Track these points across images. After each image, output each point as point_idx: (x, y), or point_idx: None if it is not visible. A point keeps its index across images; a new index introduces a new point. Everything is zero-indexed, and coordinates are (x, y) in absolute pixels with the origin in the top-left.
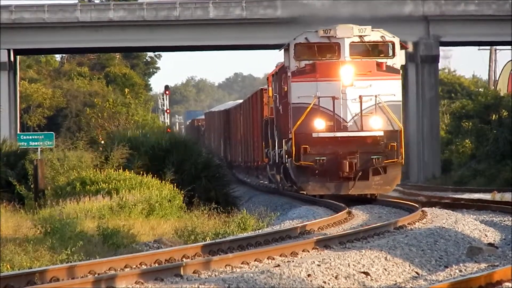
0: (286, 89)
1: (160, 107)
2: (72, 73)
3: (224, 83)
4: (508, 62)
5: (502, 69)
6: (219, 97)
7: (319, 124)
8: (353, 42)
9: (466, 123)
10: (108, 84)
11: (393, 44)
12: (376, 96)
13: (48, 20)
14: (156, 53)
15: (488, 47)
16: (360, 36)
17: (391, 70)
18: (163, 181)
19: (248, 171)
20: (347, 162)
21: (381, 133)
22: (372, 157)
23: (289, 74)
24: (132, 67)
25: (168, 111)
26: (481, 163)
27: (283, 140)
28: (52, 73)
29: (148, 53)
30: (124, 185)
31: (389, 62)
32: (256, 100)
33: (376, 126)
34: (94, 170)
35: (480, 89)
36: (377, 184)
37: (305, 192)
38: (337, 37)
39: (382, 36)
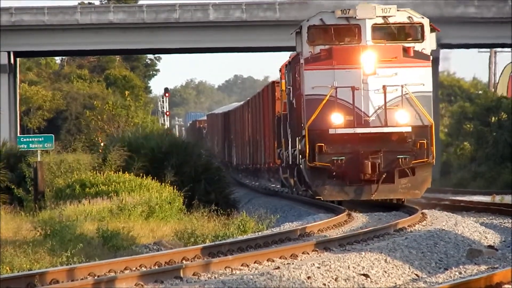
0: (299, 80)
1: (160, 109)
2: (72, 76)
3: (224, 85)
4: (508, 64)
5: (502, 72)
6: (219, 99)
7: (337, 119)
8: (375, 24)
9: (468, 125)
10: (108, 87)
11: (422, 26)
12: (402, 86)
13: (48, 22)
14: (156, 55)
15: (488, 50)
16: (384, 17)
17: (419, 56)
18: (163, 183)
19: (257, 174)
20: (369, 163)
21: (409, 129)
22: (398, 156)
23: (301, 61)
24: (132, 70)
25: (168, 113)
26: (480, 166)
27: (297, 138)
28: (52, 75)
29: (148, 55)
30: (124, 188)
31: (418, 46)
32: (267, 95)
33: (402, 120)
34: (93, 172)
35: (479, 92)
36: (404, 188)
37: (321, 198)
38: (357, 18)
39: (409, 16)
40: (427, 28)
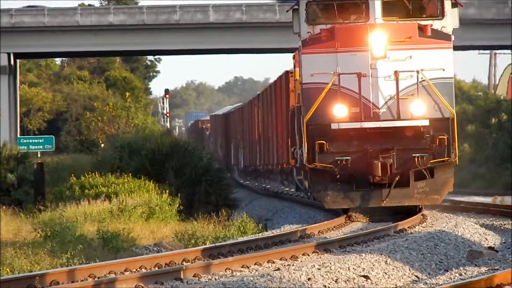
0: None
1: (160, 110)
2: (72, 77)
3: (224, 86)
4: (508, 66)
5: (502, 73)
6: (219, 100)
7: (340, 111)
8: None
9: (470, 127)
10: (108, 88)
11: (442, 0)
12: (418, 72)
13: (49, 24)
14: (156, 56)
15: (488, 51)
16: None
17: (439, 35)
18: (163, 185)
19: (269, 177)
20: (379, 163)
21: (426, 123)
22: (413, 155)
23: (299, 43)
24: (132, 71)
25: (168, 114)
26: (480, 167)
27: (297, 136)
28: (52, 77)
29: (148, 56)
30: (124, 189)
31: (436, 24)
32: (280, 87)
33: (418, 112)
34: (93, 173)
35: (479, 93)
36: (421, 193)
37: (324, 205)
38: None
39: None
40: (447, 3)
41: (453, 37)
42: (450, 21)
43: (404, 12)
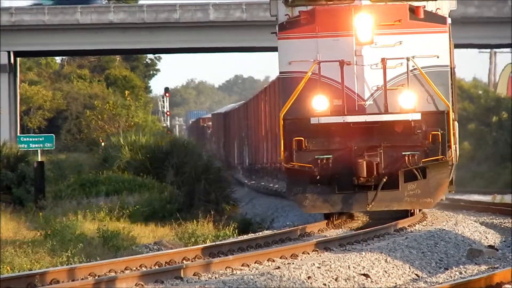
0: None
1: (160, 109)
2: (72, 76)
3: (224, 85)
4: (507, 64)
5: (502, 72)
6: (219, 99)
7: (321, 104)
8: None
9: (470, 126)
10: (108, 87)
11: None
12: (408, 59)
13: (48, 22)
14: (156, 55)
15: (488, 50)
16: None
17: (433, 18)
18: (163, 183)
19: (277, 175)
20: (365, 162)
21: (418, 116)
22: (403, 153)
23: (276, 28)
24: (132, 69)
25: (168, 113)
26: (480, 165)
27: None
28: (52, 75)
29: (148, 55)
30: (124, 187)
31: (430, 5)
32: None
33: (409, 105)
34: (94, 172)
35: (480, 92)
36: (411, 196)
37: (302, 210)
38: None
39: None
40: None
41: (449, 20)
42: (446, 2)
43: None
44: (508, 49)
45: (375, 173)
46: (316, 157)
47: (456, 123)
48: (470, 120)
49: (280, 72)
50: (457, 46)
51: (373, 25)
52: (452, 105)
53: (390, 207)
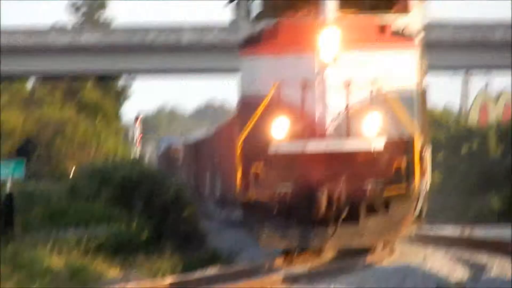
0: None
1: (131, 136)
2: (43, 100)
3: (196, 112)
4: (480, 91)
5: (474, 100)
6: (191, 126)
7: (280, 129)
8: None
9: (440, 155)
10: (79, 111)
11: None
12: (374, 80)
13: (22, 44)
14: (129, 80)
15: (461, 74)
16: None
17: (401, 36)
18: (132, 214)
19: None
20: (325, 194)
21: (382, 143)
22: (366, 184)
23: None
24: (104, 94)
25: (139, 139)
26: (451, 196)
27: None
28: (23, 100)
29: (120, 80)
30: (93, 218)
31: (400, 22)
32: None
33: (373, 130)
34: (63, 201)
35: (451, 121)
36: (373, 231)
37: (259, 245)
38: None
39: None
40: None
41: (420, 37)
42: (416, 18)
43: (360, 6)
44: (482, 75)
45: (335, 205)
46: (274, 188)
47: (428, 150)
48: (440, 149)
49: (239, 93)
50: (431, 71)
51: (337, 42)
52: (422, 130)
53: (350, 243)
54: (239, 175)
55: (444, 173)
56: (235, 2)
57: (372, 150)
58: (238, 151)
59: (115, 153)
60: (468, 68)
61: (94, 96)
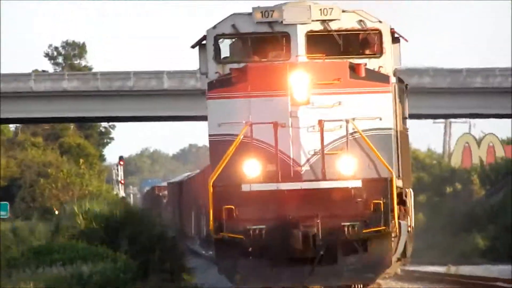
0: None
1: (114, 177)
2: (26, 143)
3: (179, 153)
4: (462, 135)
5: (457, 142)
6: (174, 168)
7: (253, 170)
8: (311, 31)
9: (423, 197)
10: (62, 155)
11: (380, 34)
12: (348, 121)
13: (2, 90)
14: (111, 123)
15: (443, 120)
16: (324, 21)
17: (375, 76)
18: (117, 253)
19: None
20: (300, 233)
21: (358, 184)
22: (342, 224)
23: (205, 86)
24: (86, 137)
25: (122, 182)
26: (435, 236)
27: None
28: (6, 143)
29: (102, 123)
30: (78, 256)
31: (373, 63)
32: None
33: (348, 171)
34: (48, 240)
35: (434, 162)
36: (351, 270)
37: (233, 285)
38: (284, 22)
39: (360, 20)
40: (386, 37)
41: (393, 79)
42: (390, 59)
43: (332, 48)
44: (462, 120)
45: (311, 245)
46: (247, 227)
47: (410, 191)
48: (424, 190)
49: (209, 135)
50: (412, 116)
51: (309, 84)
52: (399, 170)
53: (328, 283)
54: (211, 214)
55: (428, 214)
56: (203, 44)
57: (348, 190)
58: (210, 190)
59: (99, 194)
60: (447, 115)
61: (77, 139)
